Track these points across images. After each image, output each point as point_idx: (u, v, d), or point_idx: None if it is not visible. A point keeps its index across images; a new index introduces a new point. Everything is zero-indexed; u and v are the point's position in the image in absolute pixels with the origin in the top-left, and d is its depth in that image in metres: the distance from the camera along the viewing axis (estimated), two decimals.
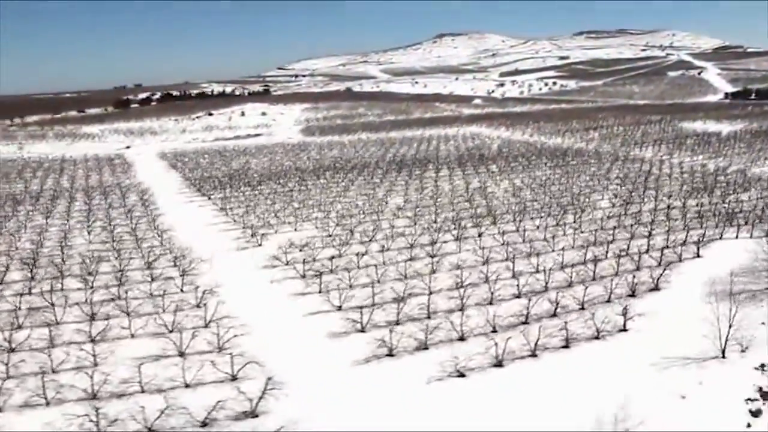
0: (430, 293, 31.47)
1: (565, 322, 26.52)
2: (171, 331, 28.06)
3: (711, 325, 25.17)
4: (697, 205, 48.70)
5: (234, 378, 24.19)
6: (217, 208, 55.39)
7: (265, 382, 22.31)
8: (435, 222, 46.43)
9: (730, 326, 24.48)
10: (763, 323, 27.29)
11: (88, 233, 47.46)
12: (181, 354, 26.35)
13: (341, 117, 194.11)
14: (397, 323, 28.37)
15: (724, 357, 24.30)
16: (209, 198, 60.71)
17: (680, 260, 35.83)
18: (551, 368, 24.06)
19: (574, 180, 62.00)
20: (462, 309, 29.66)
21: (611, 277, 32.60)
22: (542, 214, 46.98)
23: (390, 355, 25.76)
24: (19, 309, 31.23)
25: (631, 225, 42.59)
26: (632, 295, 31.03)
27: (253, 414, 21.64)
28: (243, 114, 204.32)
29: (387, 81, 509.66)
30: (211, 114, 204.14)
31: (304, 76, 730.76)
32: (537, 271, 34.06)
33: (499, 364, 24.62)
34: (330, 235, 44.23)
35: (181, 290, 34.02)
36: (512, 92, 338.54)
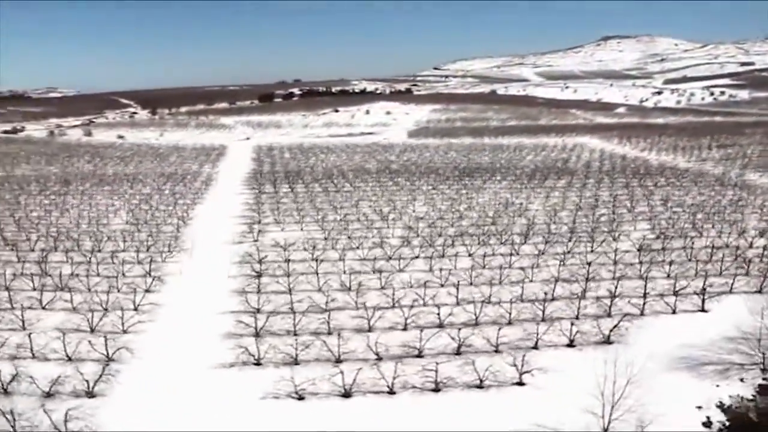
0: (344, 309, 29.91)
1: (436, 363, 23.39)
2: (94, 310, 29.95)
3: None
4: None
5: (109, 359, 25.41)
6: (252, 202, 57.73)
7: (103, 367, 23.34)
8: (431, 236, 43.62)
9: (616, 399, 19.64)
10: (699, 407, 21.54)
11: (127, 214, 52.57)
12: (92, 330, 28.36)
13: (462, 120, 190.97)
14: (295, 334, 27.48)
15: None
16: (259, 191, 63.62)
17: (674, 312, 29.62)
18: (400, 407, 21.60)
19: (634, 204, 54.13)
20: (370, 330, 27.94)
21: (568, 320, 28.13)
22: (551, 239, 41.74)
23: (257, 363, 25.14)
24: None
25: (641, 262, 36.11)
26: (570, 344, 26.39)
27: (90, 394, 22.59)
28: (368, 112, 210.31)
29: (536, 85, 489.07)
30: (337, 111, 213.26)
31: (455, 77, 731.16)
32: (471, 302, 30.27)
33: (346, 394, 22.67)
34: (326, 238, 43.94)
35: (149, 274, 36.18)
36: (668, 101, 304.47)
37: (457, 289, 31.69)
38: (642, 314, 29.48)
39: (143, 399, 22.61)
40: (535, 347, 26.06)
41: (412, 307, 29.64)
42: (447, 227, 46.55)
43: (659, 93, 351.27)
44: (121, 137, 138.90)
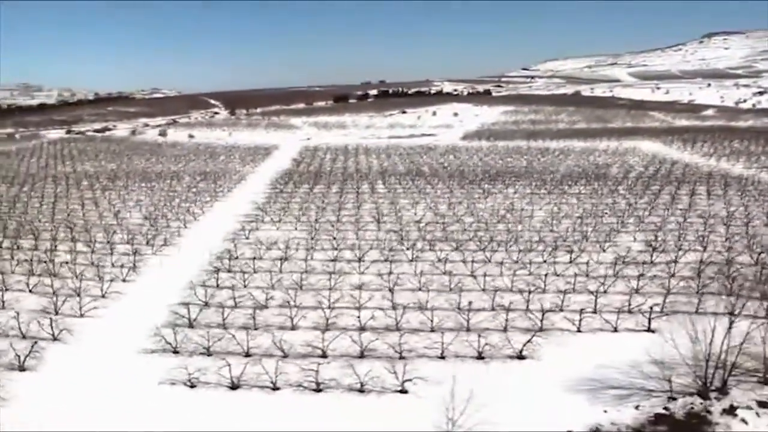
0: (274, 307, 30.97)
1: (318, 364, 23.88)
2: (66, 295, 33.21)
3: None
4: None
5: (55, 339, 28.34)
6: (264, 201, 60.21)
7: (32, 345, 26.10)
8: (410, 240, 43.62)
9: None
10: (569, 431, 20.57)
11: (148, 209, 56.86)
12: (57, 312, 31.63)
13: (529, 122, 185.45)
14: (224, 327, 28.99)
15: None
16: (281, 191, 66.23)
17: (615, 330, 28.07)
18: (282, 402, 22.75)
19: (650, 213, 50.84)
20: (293, 328, 29.05)
21: (493, 331, 27.63)
22: (531, 248, 40.40)
23: (175, 352, 26.94)
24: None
25: (607, 276, 34.15)
26: (479, 357, 25.85)
27: (21, 368, 25.45)
28: (434, 114, 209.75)
29: (624, 86, 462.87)
30: (404, 112, 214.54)
31: (541, 77, 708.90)
32: (406, 307, 30.24)
33: (234, 387, 23.90)
34: (312, 238, 45.31)
35: (134, 265, 39.32)
36: None
37: (392, 293, 31.80)
38: (579, 330, 28.17)
39: (62, 376, 25.02)
40: (442, 357, 25.77)
41: (333, 308, 30.18)
42: (435, 231, 46.23)
43: (761, 93, 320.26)
44: (191, 137, 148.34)
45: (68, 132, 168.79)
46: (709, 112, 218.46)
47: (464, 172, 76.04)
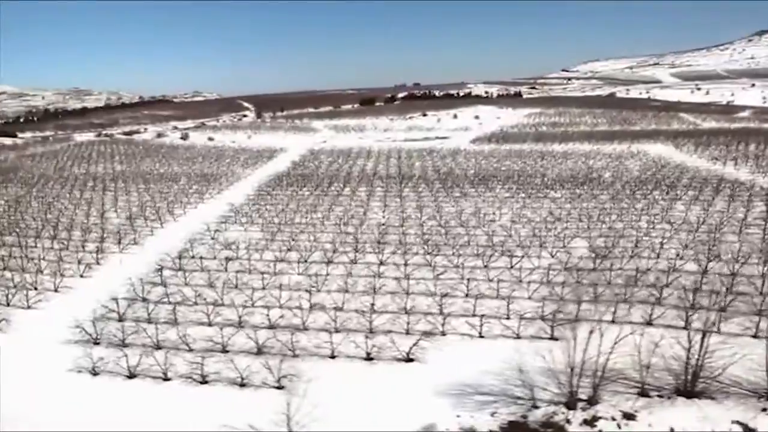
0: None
1: (202, 356, 25.15)
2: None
3: None
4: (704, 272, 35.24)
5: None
6: (243, 203, 62.15)
7: None
8: (362, 242, 44.55)
9: None
10: None
11: (132, 210, 59.62)
12: (8, 304, 34.15)
13: (549, 124, 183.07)
14: (149, 321, 30.71)
15: None
16: (267, 193, 68.14)
17: (518, 337, 28.30)
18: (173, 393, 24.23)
19: (620, 218, 50.18)
20: (209, 324, 30.40)
21: (390, 334, 28.40)
22: (464, 253, 40.73)
23: (96, 343, 28.79)
24: None
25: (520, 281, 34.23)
26: (368, 358, 26.63)
27: None
28: (455, 116, 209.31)
29: (663, 87, 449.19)
30: (425, 115, 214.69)
31: (578, 79, 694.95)
32: (298, 308, 31.25)
33: (131, 375, 25.45)
34: (272, 240, 46.78)
35: (97, 262, 41.78)
36: None
37: (310, 294, 32.86)
38: (481, 336, 28.52)
39: None
40: (332, 356, 26.66)
41: (249, 306, 31.46)
42: (391, 234, 46.94)
43: None
44: (210, 139, 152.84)
45: (98, 135, 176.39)
46: (745, 113, 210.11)
47: (454, 176, 76.23)
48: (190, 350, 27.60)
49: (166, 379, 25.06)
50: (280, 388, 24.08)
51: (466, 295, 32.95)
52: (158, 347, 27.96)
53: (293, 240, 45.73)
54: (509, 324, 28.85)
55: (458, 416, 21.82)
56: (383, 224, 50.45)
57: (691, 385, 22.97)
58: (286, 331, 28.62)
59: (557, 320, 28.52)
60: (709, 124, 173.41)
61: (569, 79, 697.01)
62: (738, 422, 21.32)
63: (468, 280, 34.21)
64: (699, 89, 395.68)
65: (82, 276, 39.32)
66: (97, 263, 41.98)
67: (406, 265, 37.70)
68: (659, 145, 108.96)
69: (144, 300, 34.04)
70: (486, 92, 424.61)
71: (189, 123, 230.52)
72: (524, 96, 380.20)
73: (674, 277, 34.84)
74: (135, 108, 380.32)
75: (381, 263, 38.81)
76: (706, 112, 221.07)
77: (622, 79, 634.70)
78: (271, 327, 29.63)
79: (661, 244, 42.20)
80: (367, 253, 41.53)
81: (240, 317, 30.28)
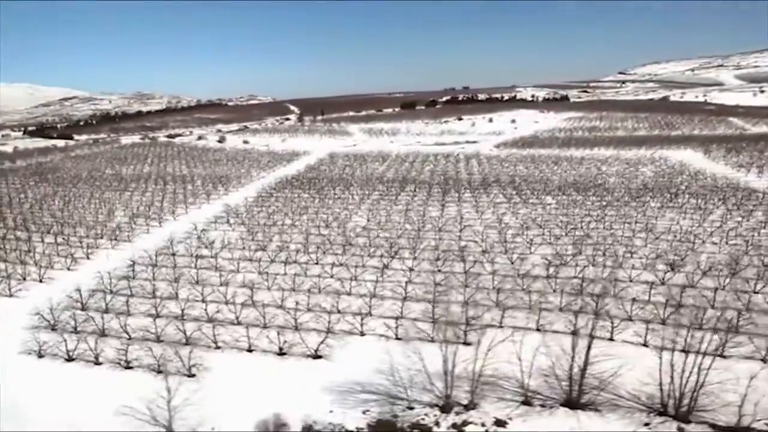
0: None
1: None
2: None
3: None
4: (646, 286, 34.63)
5: None
6: (240, 204, 65.04)
7: None
8: (332, 244, 46.14)
9: None
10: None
11: (138, 209, 63.57)
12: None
13: (587, 129, 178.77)
14: (106, 312, 33.48)
15: None
16: (269, 195, 70.90)
17: (431, 340, 28.91)
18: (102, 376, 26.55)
19: (602, 225, 49.60)
20: (157, 316, 32.76)
21: (307, 331, 29.91)
22: (439, 256, 41.56)
23: (53, 329, 31.72)
24: None
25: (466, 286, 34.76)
26: (280, 353, 28.21)
27: None
28: (491, 120, 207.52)
29: (722, 90, 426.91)
30: (460, 119, 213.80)
31: (633, 82, 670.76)
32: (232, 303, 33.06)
33: (69, 359, 28.06)
34: (252, 239, 49.15)
35: (87, 257, 45.38)
36: None
37: (252, 291, 34.72)
38: (398, 338, 29.38)
39: None
40: (249, 350, 28.39)
41: (195, 301, 33.68)
42: (361, 237, 48.22)
43: None
44: (245, 142, 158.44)
45: (143, 138, 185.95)
46: None
47: (456, 181, 76.62)
48: (130, 338, 29.93)
49: (97, 363, 27.46)
50: (191, 376, 25.96)
51: (404, 299, 33.82)
52: (103, 334, 30.52)
53: (270, 240, 47.84)
54: (425, 327, 29.61)
55: (331, 411, 22.99)
56: (362, 227, 51.80)
57: (577, 396, 23.18)
58: (218, 325, 30.57)
59: (470, 325, 29.10)
60: (759, 128, 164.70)
61: (623, 82, 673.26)
62: None
63: (406, 282, 35.12)
64: (762, 92, 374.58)
65: (68, 269, 42.72)
66: (87, 258, 45.41)
67: (356, 267, 38.97)
68: (688, 151, 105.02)
69: (111, 292, 36.83)
70: (532, 96, 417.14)
71: (233, 126, 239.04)
72: (571, 100, 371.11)
73: (622, 287, 34.52)
74: (188, 111, 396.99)
75: (336, 265, 40.22)
76: (759, 116, 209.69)
77: (681, 81, 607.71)
78: (210, 321, 31.66)
79: (631, 253, 41.68)
80: (330, 254, 43.02)
81: (183, 310, 32.47)
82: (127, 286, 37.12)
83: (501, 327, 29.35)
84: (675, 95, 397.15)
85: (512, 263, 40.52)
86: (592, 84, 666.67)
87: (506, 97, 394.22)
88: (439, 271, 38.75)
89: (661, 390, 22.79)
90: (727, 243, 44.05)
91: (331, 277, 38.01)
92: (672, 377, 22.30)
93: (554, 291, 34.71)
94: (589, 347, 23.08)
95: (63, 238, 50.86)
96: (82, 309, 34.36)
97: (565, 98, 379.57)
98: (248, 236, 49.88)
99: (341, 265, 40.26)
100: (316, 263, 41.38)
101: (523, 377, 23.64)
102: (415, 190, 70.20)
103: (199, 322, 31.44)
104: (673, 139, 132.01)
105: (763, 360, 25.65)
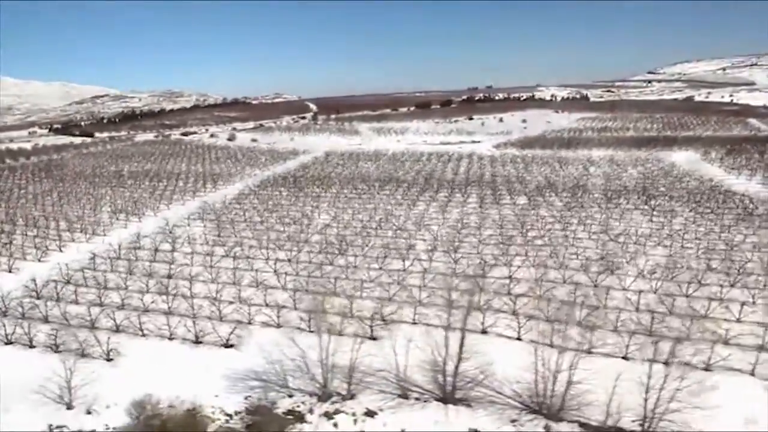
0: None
1: None
2: None
3: None
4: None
5: None
6: (217, 201, 67.38)
7: None
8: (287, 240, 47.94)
9: None
10: None
11: (123, 204, 66.40)
12: None
13: (598, 129, 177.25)
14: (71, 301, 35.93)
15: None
16: (251, 192, 73.11)
17: (339, 334, 30.44)
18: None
19: (561, 229, 50.25)
20: (100, 305, 35.00)
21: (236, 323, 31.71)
22: (380, 254, 43.01)
23: (4, 314, 34.14)
24: None
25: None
26: (196, 341, 30.01)
27: None
28: (501, 120, 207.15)
29: (751, 89, 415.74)
30: (471, 119, 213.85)
31: (660, 81, 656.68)
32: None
33: (30, 345, 30.42)
34: (219, 235, 51.34)
35: (59, 250, 48.13)
36: None
37: (191, 283, 36.68)
38: (310, 330, 30.74)
39: None
40: (170, 338, 30.32)
41: (128, 290, 35.78)
42: (321, 234, 49.82)
43: None
44: (254, 140, 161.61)
45: (156, 136, 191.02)
46: None
47: (440, 180, 77.69)
48: (69, 325, 32.16)
49: (32, 347, 29.74)
50: (109, 360, 28.01)
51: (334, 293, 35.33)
52: (46, 321, 32.84)
53: (234, 236, 49.90)
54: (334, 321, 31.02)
55: (216, 396, 24.66)
56: (326, 225, 53.39)
57: (451, 391, 24.22)
58: (150, 314, 32.65)
59: (374, 322, 30.41)
60: None
61: (649, 81, 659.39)
62: (475, 430, 22.43)
63: (336, 278, 36.64)
64: None
65: (39, 260, 45.46)
66: (60, 250, 48.14)
67: (299, 263, 40.70)
68: (688, 152, 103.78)
69: (68, 282, 39.24)
70: (552, 95, 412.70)
71: (249, 124, 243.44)
72: (591, 99, 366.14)
73: (547, 288, 35.37)
74: (209, 109, 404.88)
75: (281, 260, 42.01)
76: None
77: (710, 81, 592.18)
78: (146, 310, 33.72)
79: (577, 255, 42.37)
80: (283, 251, 44.75)
81: (123, 300, 34.64)
82: (82, 277, 39.46)
83: (415, 324, 30.57)
84: (701, 95, 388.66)
85: (456, 263, 41.57)
86: (617, 84, 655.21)
87: (524, 97, 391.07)
88: (381, 269, 40.09)
89: (536, 387, 23.66)
90: (682, 246, 44.28)
91: (275, 272, 39.68)
92: (544, 374, 23.13)
93: (482, 290, 35.68)
94: (461, 343, 23.99)
95: (44, 232, 53.73)
96: (37, 297, 36.75)
97: (585, 98, 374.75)
98: (215, 232, 51.94)
99: (288, 260, 41.96)
100: (267, 259, 43.08)
101: (405, 371, 24.86)
102: (394, 190, 71.47)
103: (137, 311, 33.47)
104: (680, 140, 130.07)
105: (624, 357, 26.47)
